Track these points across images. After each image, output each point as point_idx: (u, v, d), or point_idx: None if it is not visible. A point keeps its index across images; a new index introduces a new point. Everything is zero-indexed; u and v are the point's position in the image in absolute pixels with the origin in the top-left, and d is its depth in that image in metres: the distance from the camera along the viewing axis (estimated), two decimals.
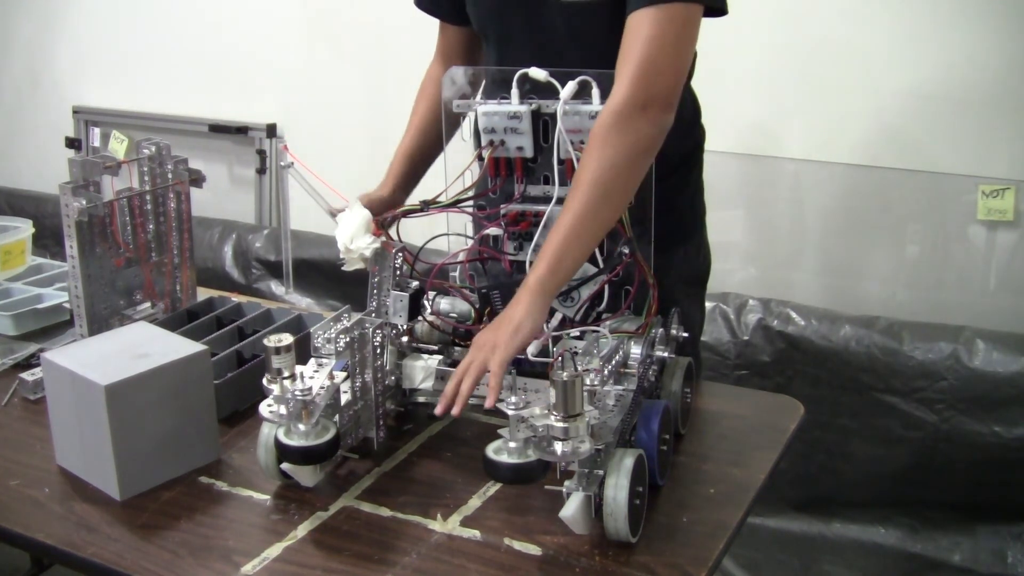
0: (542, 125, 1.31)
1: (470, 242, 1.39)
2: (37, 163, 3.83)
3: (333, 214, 1.32)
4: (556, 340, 1.23)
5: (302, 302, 3.01)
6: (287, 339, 1.13)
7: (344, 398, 1.20)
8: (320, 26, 3.17)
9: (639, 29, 1.24)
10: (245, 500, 1.22)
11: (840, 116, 2.46)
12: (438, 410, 1.17)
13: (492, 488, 1.21)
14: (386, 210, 1.39)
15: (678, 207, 1.52)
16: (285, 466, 1.19)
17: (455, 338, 1.33)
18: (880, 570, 2.30)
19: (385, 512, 1.18)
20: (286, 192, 3.13)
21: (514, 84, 1.29)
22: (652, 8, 1.23)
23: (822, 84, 2.44)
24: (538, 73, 1.26)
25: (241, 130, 3.36)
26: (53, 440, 1.30)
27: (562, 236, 1.20)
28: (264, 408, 1.14)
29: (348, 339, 1.19)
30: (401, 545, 1.12)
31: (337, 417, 1.19)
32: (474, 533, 1.13)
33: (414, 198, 1.50)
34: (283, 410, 1.13)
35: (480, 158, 1.36)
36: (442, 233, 1.59)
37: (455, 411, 1.16)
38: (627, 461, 1.07)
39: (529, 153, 1.32)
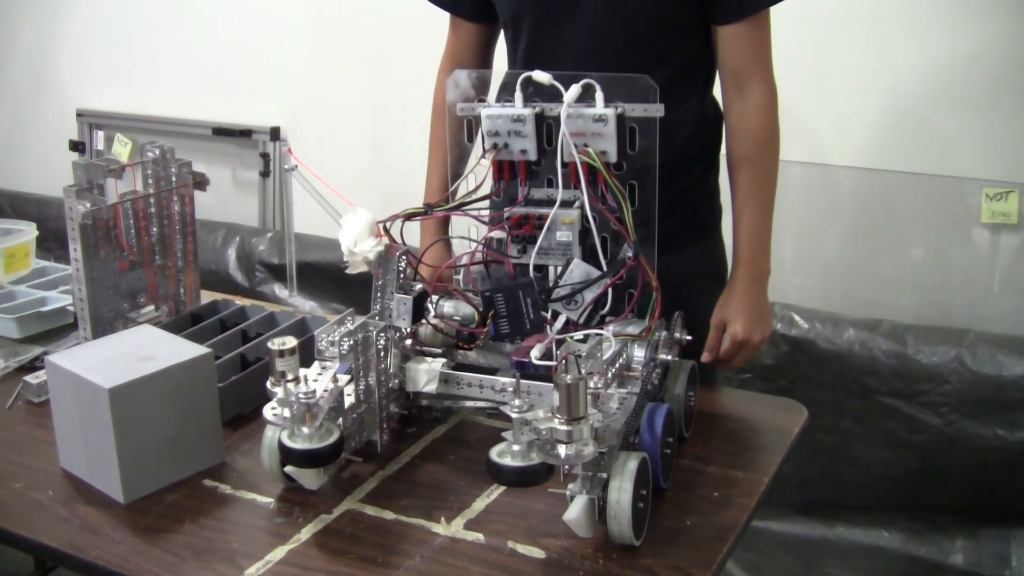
0: (546, 128, 1.31)
1: (474, 245, 1.39)
2: (41, 166, 3.83)
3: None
4: (560, 343, 1.23)
5: (306, 305, 3.01)
6: (291, 342, 1.13)
7: (348, 401, 1.20)
8: (323, 29, 3.17)
9: (747, 37, 1.43)
10: (249, 503, 1.22)
11: (843, 119, 2.45)
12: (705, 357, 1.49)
13: (495, 491, 1.21)
14: (447, 252, 1.54)
15: (696, 204, 1.57)
16: (289, 469, 1.19)
17: (459, 341, 1.33)
18: (883, 573, 2.29)
19: (388, 515, 1.18)
20: (290, 195, 3.12)
21: (517, 87, 1.29)
22: (749, 19, 1.42)
23: (825, 87, 2.44)
24: (542, 76, 1.26)
25: (245, 133, 3.36)
26: (57, 443, 1.30)
27: (766, 225, 1.47)
28: (268, 411, 1.14)
29: (352, 342, 1.19)
30: (404, 548, 1.12)
31: (341, 420, 1.19)
32: (477, 536, 1.13)
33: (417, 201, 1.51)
34: (287, 413, 1.12)
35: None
36: (445, 236, 1.59)
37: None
38: (631, 464, 1.07)
39: (533, 156, 1.32)
